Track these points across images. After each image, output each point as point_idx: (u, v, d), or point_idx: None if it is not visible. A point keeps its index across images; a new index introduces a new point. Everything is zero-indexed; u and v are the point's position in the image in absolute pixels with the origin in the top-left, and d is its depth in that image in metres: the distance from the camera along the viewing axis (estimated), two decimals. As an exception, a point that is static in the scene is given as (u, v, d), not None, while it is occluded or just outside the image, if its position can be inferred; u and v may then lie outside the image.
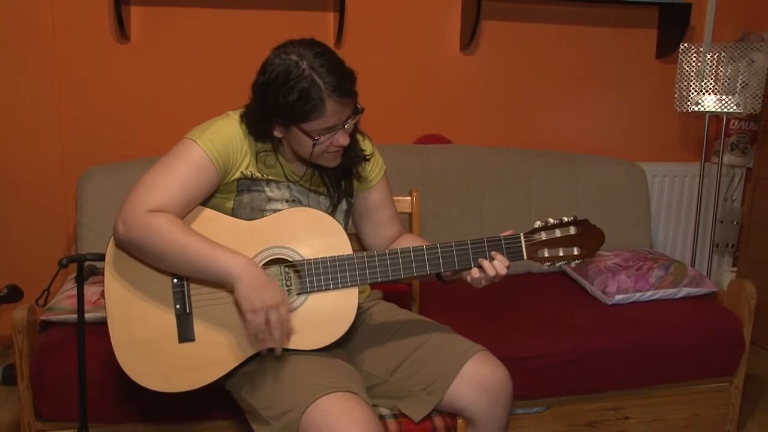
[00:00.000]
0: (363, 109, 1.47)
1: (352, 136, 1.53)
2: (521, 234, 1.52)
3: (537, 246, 1.52)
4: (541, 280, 2.47)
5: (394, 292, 2.00)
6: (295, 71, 1.36)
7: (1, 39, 2.50)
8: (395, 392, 1.53)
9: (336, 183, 1.59)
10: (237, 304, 1.38)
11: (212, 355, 1.43)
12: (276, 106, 1.39)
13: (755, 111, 2.76)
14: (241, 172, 1.49)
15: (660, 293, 2.26)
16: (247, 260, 1.37)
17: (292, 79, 1.36)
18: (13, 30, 2.51)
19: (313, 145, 1.43)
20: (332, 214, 1.58)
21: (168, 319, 1.43)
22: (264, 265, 1.46)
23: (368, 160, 1.62)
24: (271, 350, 1.44)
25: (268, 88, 1.39)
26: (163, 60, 2.63)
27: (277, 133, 1.46)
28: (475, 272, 1.48)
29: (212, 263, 1.35)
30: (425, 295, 2.06)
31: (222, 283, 1.40)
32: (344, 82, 1.39)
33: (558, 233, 1.53)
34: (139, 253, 1.41)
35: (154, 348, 1.42)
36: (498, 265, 1.47)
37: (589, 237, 1.55)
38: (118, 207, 1.42)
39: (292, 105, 1.37)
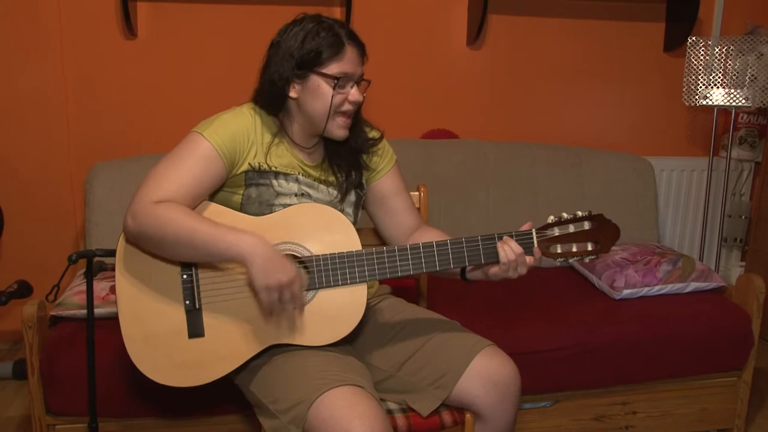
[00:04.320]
0: (370, 81, 1.53)
1: (358, 125, 1.58)
2: (533, 230, 1.51)
3: (549, 242, 1.51)
4: (548, 275, 2.47)
5: (402, 287, 2.00)
6: (314, 23, 1.46)
7: (8, 36, 2.52)
8: (403, 387, 1.53)
9: (345, 172, 1.60)
10: (250, 284, 1.38)
11: (221, 350, 1.44)
12: (293, 54, 1.45)
13: (764, 105, 2.74)
14: (249, 163, 1.49)
15: (668, 288, 2.26)
16: (258, 238, 1.36)
17: (312, 27, 1.46)
18: (19, 27, 2.52)
19: (334, 87, 1.46)
20: (341, 203, 1.59)
21: (178, 315, 1.44)
22: None
23: (376, 143, 1.64)
24: (280, 346, 1.46)
25: (288, 42, 1.47)
26: (169, 56, 2.64)
27: (293, 93, 1.48)
28: (494, 267, 1.50)
29: (223, 244, 1.35)
30: (433, 290, 2.06)
31: (234, 263, 1.40)
32: (358, 38, 1.50)
33: (572, 228, 1.51)
34: (149, 244, 1.41)
35: (165, 343, 1.43)
36: (508, 251, 1.46)
37: (603, 232, 1.52)
38: (126, 202, 1.43)
39: (314, 47, 1.44)
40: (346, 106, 1.50)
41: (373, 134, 1.65)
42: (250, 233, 1.37)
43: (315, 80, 1.46)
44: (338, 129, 1.52)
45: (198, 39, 2.64)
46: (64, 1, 2.52)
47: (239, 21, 2.65)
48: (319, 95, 1.47)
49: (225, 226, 1.38)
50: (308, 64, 1.45)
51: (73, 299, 1.97)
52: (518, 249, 1.47)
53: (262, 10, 2.66)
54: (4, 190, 2.60)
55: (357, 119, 1.57)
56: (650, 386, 2.14)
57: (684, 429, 2.21)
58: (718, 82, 2.74)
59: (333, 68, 1.45)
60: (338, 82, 1.46)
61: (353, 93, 1.49)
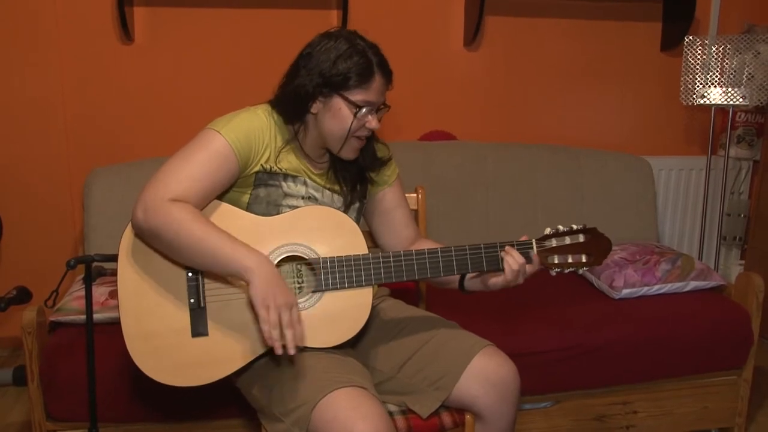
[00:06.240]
0: (389, 107, 1.52)
1: (370, 142, 1.58)
2: (533, 240, 1.54)
3: (547, 252, 1.55)
4: (547, 276, 2.43)
5: (401, 288, 2.00)
6: (348, 44, 1.44)
7: (5, 41, 2.52)
8: (403, 388, 1.53)
9: (351, 185, 1.60)
10: (250, 301, 1.38)
11: (224, 350, 1.44)
12: (323, 73, 1.44)
13: (761, 103, 2.74)
14: (261, 165, 1.50)
15: (667, 287, 2.26)
16: (263, 257, 1.36)
17: (346, 49, 1.43)
18: (16, 32, 2.52)
19: (355, 114, 1.45)
20: (346, 211, 1.60)
21: (181, 313, 1.43)
22: (280, 261, 1.47)
23: (384, 164, 1.64)
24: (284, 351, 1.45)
25: (319, 57, 1.45)
26: (167, 61, 2.64)
27: (314, 109, 1.48)
28: (496, 276, 1.52)
29: (229, 257, 1.34)
30: (432, 292, 2.06)
31: (236, 278, 1.39)
32: (388, 66, 1.49)
33: (567, 240, 1.56)
34: (156, 241, 1.40)
35: (167, 341, 1.42)
36: (511, 261, 1.49)
37: (596, 245, 1.58)
38: (126, 207, 1.42)
39: (343, 71, 1.43)
40: (362, 132, 1.50)
41: (382, 152, 1.66)
42: (257, 252, 1.36)
43: (338, 102, 1.46)
44: (350, 152, 1.53)
45: (195, 43, 2.65)
46: (61, 6, 2.53)
47: (236, 25, 2.66)
48: (338, 117, 1.47)
49: (234, 239, 1.37)
50: (334, 86, 1.44)
51: (72, 305, 1.97)
52: (521, 259, 1.50)
53: (259, 14, 2.66)
54: (3, 195, 2.61)
55: (369, 137, 1.57)
56: (651, 385, 2.14)
57: (685, 428, 2.21)
58: (716, 81, 2.75)
59: (358, 95, 1.45)
60: (360, 110, 1.46)
61: (372, 121, 1.48)
